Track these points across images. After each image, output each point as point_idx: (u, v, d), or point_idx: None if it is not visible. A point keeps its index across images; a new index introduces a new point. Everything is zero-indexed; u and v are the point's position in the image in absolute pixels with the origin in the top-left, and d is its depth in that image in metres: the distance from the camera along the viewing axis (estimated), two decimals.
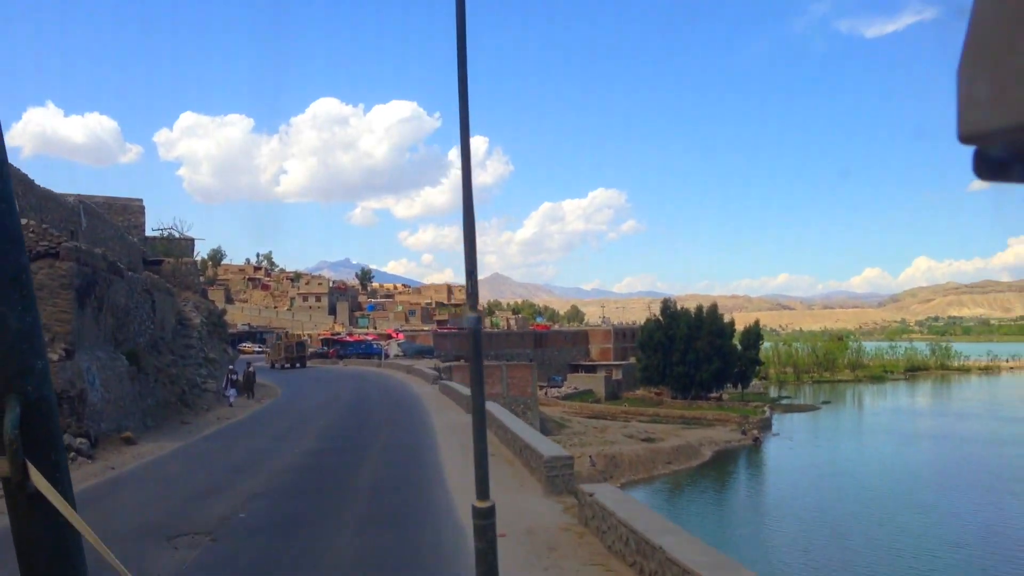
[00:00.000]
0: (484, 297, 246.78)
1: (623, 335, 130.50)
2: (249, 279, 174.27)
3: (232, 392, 34.11)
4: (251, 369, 40.78)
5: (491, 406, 25.07)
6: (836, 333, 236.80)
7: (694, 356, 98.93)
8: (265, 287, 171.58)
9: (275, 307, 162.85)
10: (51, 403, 1.39)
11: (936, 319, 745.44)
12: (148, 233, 49.60)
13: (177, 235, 51.37)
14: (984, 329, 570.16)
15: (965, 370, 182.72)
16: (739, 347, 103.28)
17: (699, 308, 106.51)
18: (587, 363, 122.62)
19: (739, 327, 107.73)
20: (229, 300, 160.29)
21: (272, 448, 22.90)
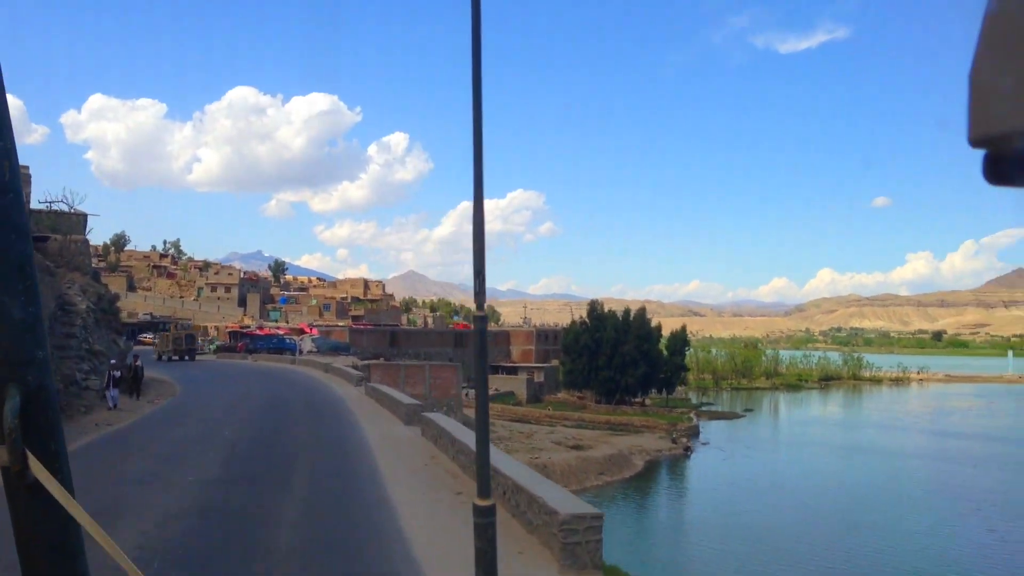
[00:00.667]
0: (399, 294, 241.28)
1: (545, 337, 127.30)
2: (154, 267, 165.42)
3: (113, 393, 28.82)
4: (137, 363, 35.28)
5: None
6: (748, 341, 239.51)
7: (620, 360, 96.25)
8: (171, 276, 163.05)
9: (181, 297, 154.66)
10: (51, 393, 1.40)
11: (839, 330, 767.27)
12: (34, 206, 43.58)
13: (67, 209, 45.33)
14: (885, 341, 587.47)
15: (876, 381, 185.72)
16: (665, 352, 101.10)
17: (626, 312, 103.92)
18: (508, 364, 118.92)
19: (665, 332, 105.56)
20: (132, 288, 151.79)
21: (156, 476, 17.27)
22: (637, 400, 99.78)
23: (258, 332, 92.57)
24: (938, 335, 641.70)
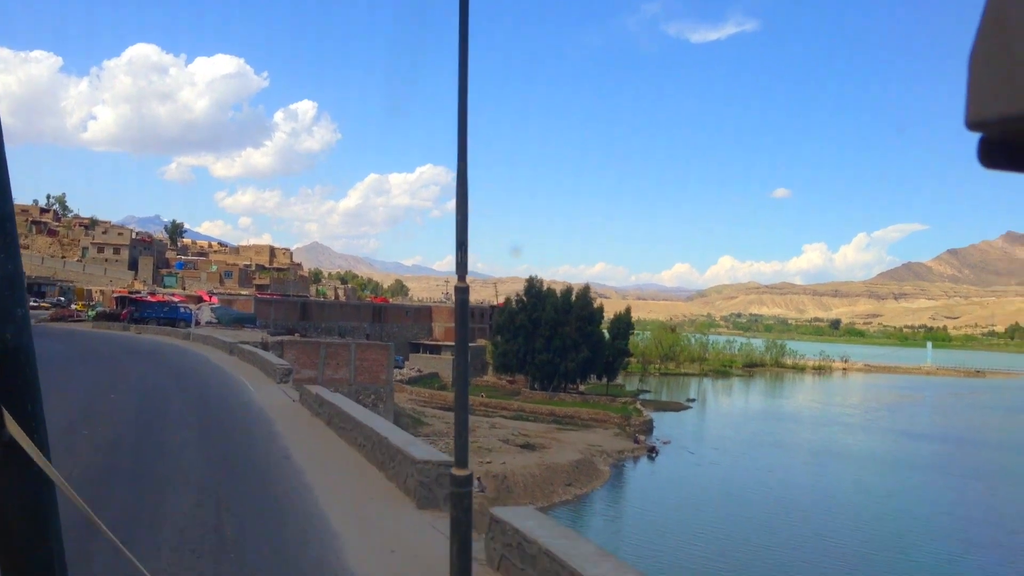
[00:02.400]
0: (305, 266, 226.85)
1: (472, 314, 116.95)
2: (33, 222, 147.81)
3: None
4: None
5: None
6: (664, 325, 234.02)
7: (560, 343, 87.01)
8: (52, 233, 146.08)
9: (63, 257, 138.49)
10: (29, 352, 1.37)
11: (739, 315, 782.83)
12: None
13: None
14: (783, 328, 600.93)
15: (799, 368, 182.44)
16: (607, 335, 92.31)
17: (568, 290, 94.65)
18: (430, 343, 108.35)
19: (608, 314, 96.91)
20: None
21: None
22: (573, 386, 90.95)
23: (149, 299, 79.37)
24: (835, 324, 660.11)
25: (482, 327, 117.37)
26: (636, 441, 63.50)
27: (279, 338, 55.98)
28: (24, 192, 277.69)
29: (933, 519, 46.30)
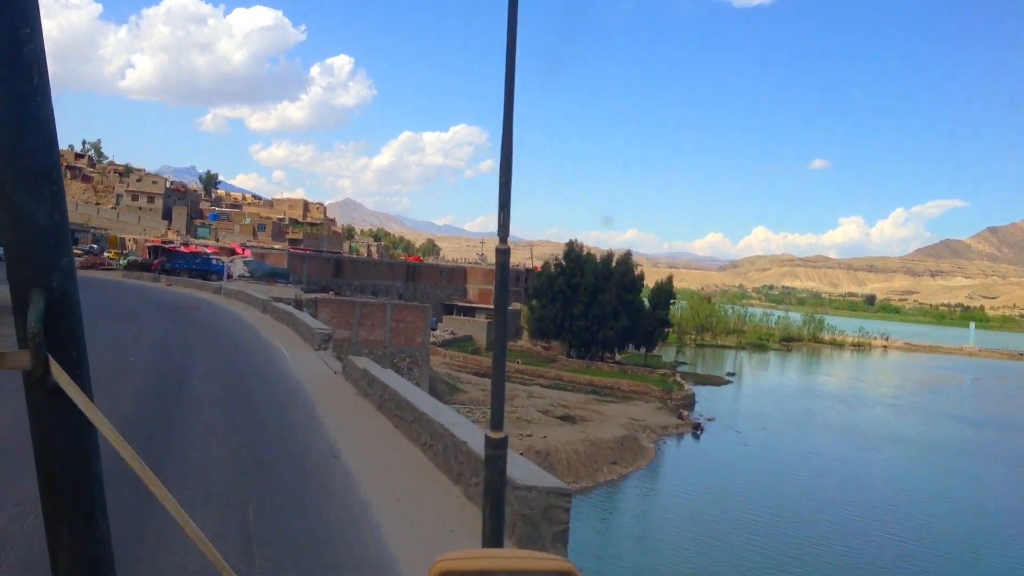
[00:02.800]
0: (337, 222, 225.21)
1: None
2: (68, 167, 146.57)
3: None
4: None
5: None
6: (697, 295, 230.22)
7: (599, 311, 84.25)
8: (87, 179, 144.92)
9: (97, 204, 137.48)
10: (75, 300, 1.39)
11: (771, 287, 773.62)
12: None
13: None
14: (817, 301, 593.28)
15: (838, 344, 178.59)
16: (647, 305, 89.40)
17: (608, 255, 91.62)
18: (464, 304, 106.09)
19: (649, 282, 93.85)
20: None
21: None
22: (610, 356, 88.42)
23: (182, 249, 77.58)
24: (871, 299, 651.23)
25: (516, 291, 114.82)
26: (680, 417, 60.90)
27: (313, 295, 53.79)
28: (61, 140, 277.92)
29: (1005, 517, 43.37)
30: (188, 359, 18.43)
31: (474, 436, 8.78)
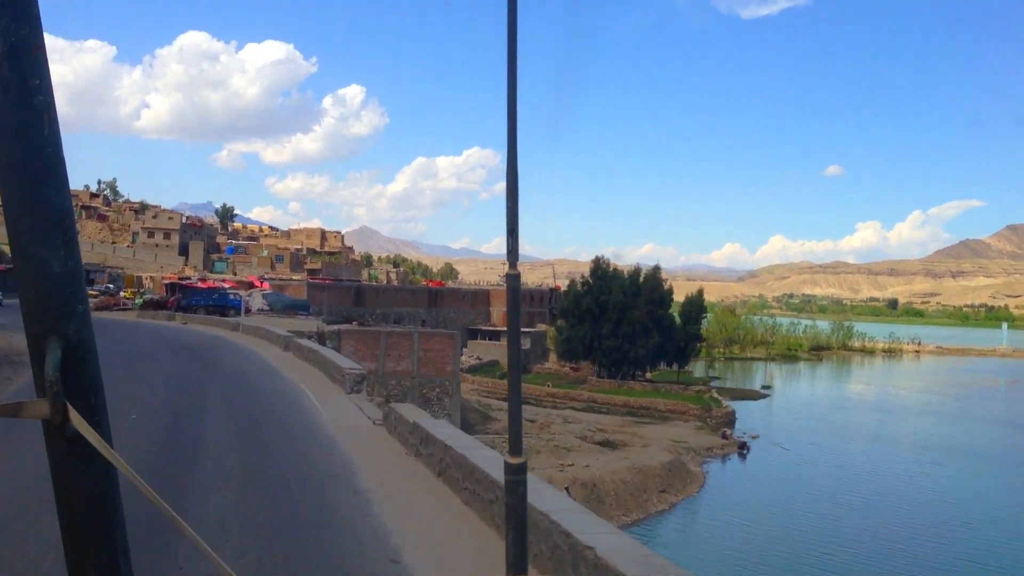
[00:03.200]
0: (355, 250, 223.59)
1: (531, 298, 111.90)
2: (83, 207, 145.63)
3: None
4: None
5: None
6: (722, 306, 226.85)
7: (629, 329, 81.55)
8: (102, 218, 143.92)
9: (113, 243, 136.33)
10: (91, 346, 1.42)
11: (791, 296, 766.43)
12: None
13: None
14: (838, 308, 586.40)
15: (868, 351, 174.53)
16: (678, 320, 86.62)
17: (636, 271, 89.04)
18: (488, 328, 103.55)
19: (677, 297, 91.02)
20: None
21: None
22: (641, 374, 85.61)
23: (199, 285, 75.72)
24: (893, 303, 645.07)
25: (540, 311, 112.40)
26: (724, 437, 58.00)
27: (336, 327, 51.53)
28: (76, 181, 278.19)
29: None
30: (199, 414, 15.96)
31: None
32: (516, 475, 4.27)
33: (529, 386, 77.42)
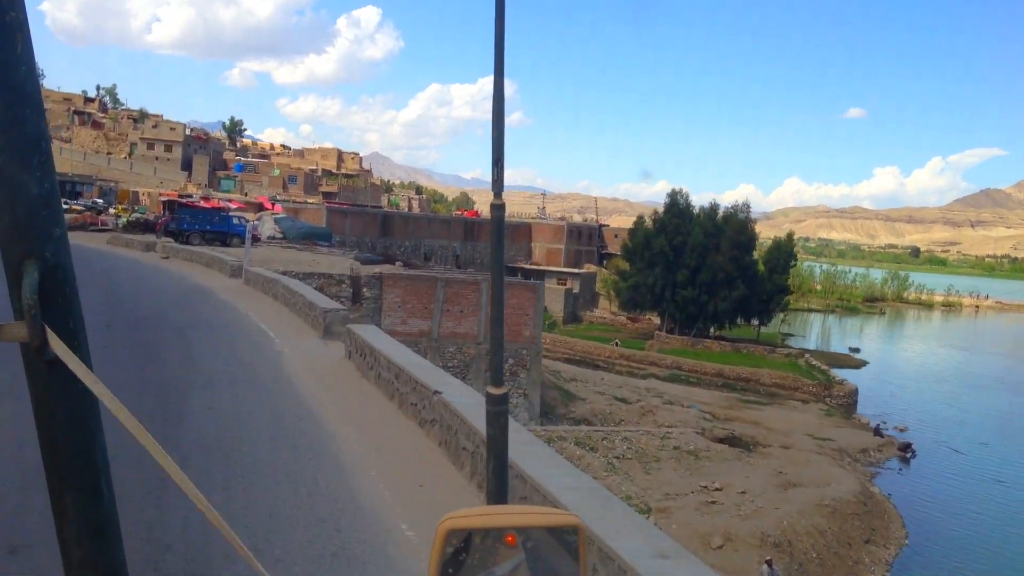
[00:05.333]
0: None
1: (578, 234, 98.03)
2: (75, 112, 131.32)
3: None
4: None
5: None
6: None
7: (709, 277, 68.12)
8: (97, 125, 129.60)
9: (109, 153, 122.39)
10: (69, 270, 1.40)
11: (808, 239, 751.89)
12: None
13: None
14: (857, 254, 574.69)
15: (927, 305, 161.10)
16: (762, 268, 73.00)
17: (712, 206, 75.23)
18: (530, 267, 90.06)
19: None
20: None
21: None
22: (719, 331, 72.57)
23: (202, 204, 61.70)
24: (915, 251, 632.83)
25: (589, 249, 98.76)
26: (878, 433, 44.62)
27: (376, 268, 37.97)
28: (70, 80, 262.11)
29: None
30: None
31: None
32: (498, 406, 4.45)
33: (591, 344, 64.25)
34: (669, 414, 39.78)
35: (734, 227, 71.15)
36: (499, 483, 3.93)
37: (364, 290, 35.33)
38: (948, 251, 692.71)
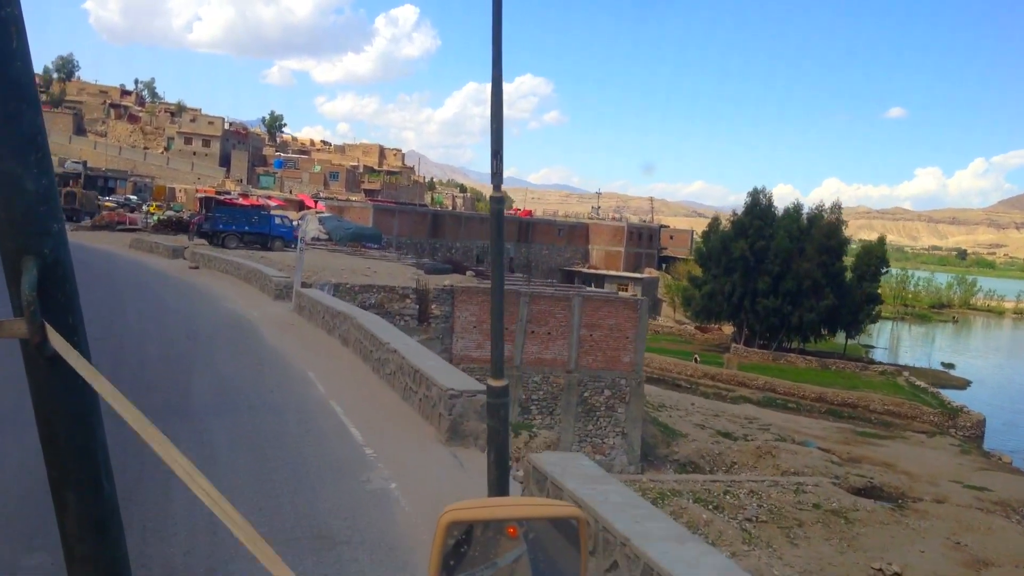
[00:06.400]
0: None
1: (638, 236, 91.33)
2: (111, 105, 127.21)
3: None
4: None
5: None
6: None
7: (793, 285, 61.37)
8: (133, 119, 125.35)
9: (146, 148, 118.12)
10: (68, 265, 1.40)
11: (849, 241, 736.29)
12: None
13: None
14: (900, 255, 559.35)
15: (997, 312, 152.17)
16: (850, 275, 66.08)
17: (796, 208, 68.41)
18: (588, 271, 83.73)
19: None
20: (80, 131, 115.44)
21: None
22: (804, 343, 65.84)
23: (240, 202, 55.96)
24: (962, 253, 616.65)
25: (650, 252, 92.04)
26: None
27: (445, 280, 31.78)
28: (109, 73, 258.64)
29: None
30: None
31: None
32: (499, 398, 4.36)
33: (669, 360, 57.70)
34: (791, 457, 33.22)
35: (822, 230, 64.28)
36: (500, 474, 3.78)
37: (432, 306, 29.26)
38: (995, 253, 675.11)
